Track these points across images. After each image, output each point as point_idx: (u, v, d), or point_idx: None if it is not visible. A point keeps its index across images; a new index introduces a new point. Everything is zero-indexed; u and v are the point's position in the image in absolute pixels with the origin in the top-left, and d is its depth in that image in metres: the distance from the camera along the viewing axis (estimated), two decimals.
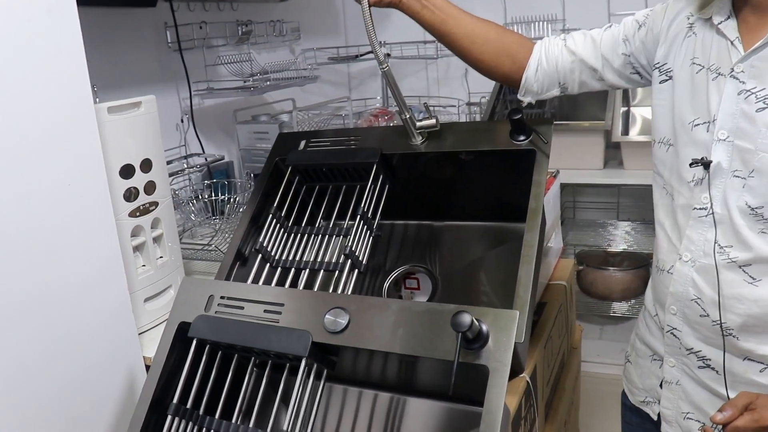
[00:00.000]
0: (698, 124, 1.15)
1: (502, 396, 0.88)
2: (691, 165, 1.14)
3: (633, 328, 1.45)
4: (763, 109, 1.07)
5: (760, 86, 1.07)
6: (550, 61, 1.35)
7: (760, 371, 1.16)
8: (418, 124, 1.37)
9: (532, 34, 2.88)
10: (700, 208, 1.16)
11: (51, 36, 1.13)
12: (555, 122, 2.60)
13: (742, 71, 1.09)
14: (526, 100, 1.40)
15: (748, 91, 1.09)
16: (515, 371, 1.25)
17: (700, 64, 1.17)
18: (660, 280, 1.27)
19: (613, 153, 2.70)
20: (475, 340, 0.91)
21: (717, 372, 1.19)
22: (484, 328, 0.92)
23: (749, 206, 1.10)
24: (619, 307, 2.89)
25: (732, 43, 1.11)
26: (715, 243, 1.14)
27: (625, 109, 2.72)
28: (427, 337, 0.95)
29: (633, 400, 1.41)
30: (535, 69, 1.36)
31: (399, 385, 1.22)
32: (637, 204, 2.94)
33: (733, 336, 1.16)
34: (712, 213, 1.14)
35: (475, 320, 0.89)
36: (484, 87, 2.89)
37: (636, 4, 2.70)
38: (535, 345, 1.38)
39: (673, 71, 1.22)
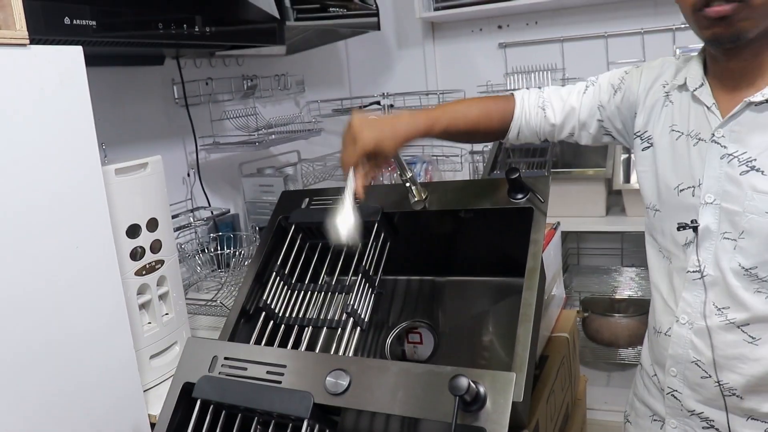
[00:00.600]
0: (683, 189, 1.18)
1: None
2: (678, 229, 1.17)
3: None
4: (747, 171, 1.09)
5: (742, 149, 1.10)
6: (531, 128, 1.37)
7: (766, 431, 1.17)
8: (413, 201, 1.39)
9: (532, 84, 2.94)
10: (693, 271, 1.17)
11: (63, 105, 1.17)
12: (557, 170, 2.65)
13: (723, 136, 1.12)
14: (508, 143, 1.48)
15: (731, 155, 1.11)
16: (518, 427, 1.26)
17: (679, 131, 1.19)
18: (657, 341, 1.28)
19: (615, 200, 2.73)
20: (472, 403, 0.92)
21: None
22: (482, 390, 0.93)
23: (742, 267, 1.11)
24: (626, 354, 2.88)
25: (709, 108, 1.14)
26: (705, 304, 1.16)
27: (626, 156, 2.75)
28: (426, 399, 0.97)
29: None
30: (516, 134, 1.38)
31: None
32: (641, 250, 2.90)
33: (737, 396, 1.16)
34: (705, 275, 1.16)
35: (472, 383, 0.91)
36: None
37: (633, 50, 2.77)
38: (537, 400, 1.39)
39: (653, 138, 1.25)
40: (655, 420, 1.33)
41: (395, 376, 1.00)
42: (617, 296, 2.85)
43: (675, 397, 1.25)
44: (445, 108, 1.34)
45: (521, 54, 2.98)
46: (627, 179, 2.69)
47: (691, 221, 1.15)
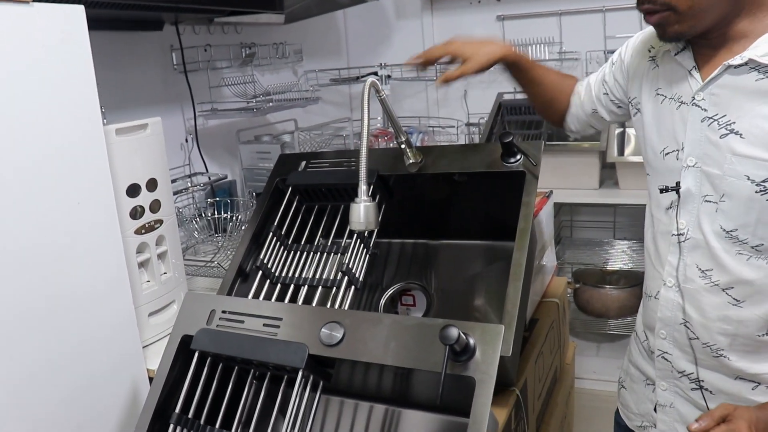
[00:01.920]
0: (668, 153, 1.20)
1: (487, 406, 0.93)
2: (661, 191, 1.19)
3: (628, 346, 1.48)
4: (726, 135, 1.10)
5: (721, 113, 1.11)
6: (576, 108, 1.48)
7: (752, 389, 1.19)
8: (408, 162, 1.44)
9: (529, 56, 2.93)
10: (676, 234, 1.19)
11: (65, 63, 1.19)
12: (552, 143, 2.68)
13: (703, 99, 1.13)
14: (572, 135, 1.59)
15: (711, 118, 1.12)
16: (506, 384, 1.30)
17: (662, 94, 1.21)
18: (648, 305, 1.31)
19: (609, 173, 2.75)
20: (462, 353, 0.96)
21: (711, 392, 1.22)
22: (471, 341, 0.97)
23: (724, 229, 1.13)
24: (616, 325, 2.92)
25: (690, 72, 1.16)
26: (689, 267, 1.18)
27: (621, 129, 2.77)
28: (418, 349, 1.00)
29: (630, 425, 1.43)
30: (573, 117, 1.50)
31: (393, 397, 1.26)
32: (634, 223, 2.98)
33: (725, 356, 1.18)
34: (688, 238, 1.17)
35: (462, 334, 0.94)
36: (482, 108, 2.95)
37: (630, 26, 2.76)
38: (525, 360, 1.42)
39: (641, 104, 1.27)
40: (648, 384, 1.35)
41: (388, 328, 1.03)
42: (609, 268, 2.88)
43: (665, 359, 1.26)
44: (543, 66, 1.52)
45: (519, 27, 2.99)
46: (621, 152, 2.71)
47: (674, 184, 1.17)
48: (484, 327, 0.99)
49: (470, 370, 0.96)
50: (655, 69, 1.24)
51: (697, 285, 1.18)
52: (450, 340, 0.93)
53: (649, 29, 1.28)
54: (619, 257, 2.93)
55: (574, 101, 1.48)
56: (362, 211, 1.20)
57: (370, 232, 1.38)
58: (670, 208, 1.20)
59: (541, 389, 1.57)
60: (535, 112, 1.61)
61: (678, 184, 1.17)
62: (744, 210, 1.10)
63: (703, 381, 1.22)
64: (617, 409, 1.49)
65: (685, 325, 1.21)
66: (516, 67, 1.44)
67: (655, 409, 1.32)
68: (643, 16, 1.14)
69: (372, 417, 1.26)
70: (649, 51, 1.27)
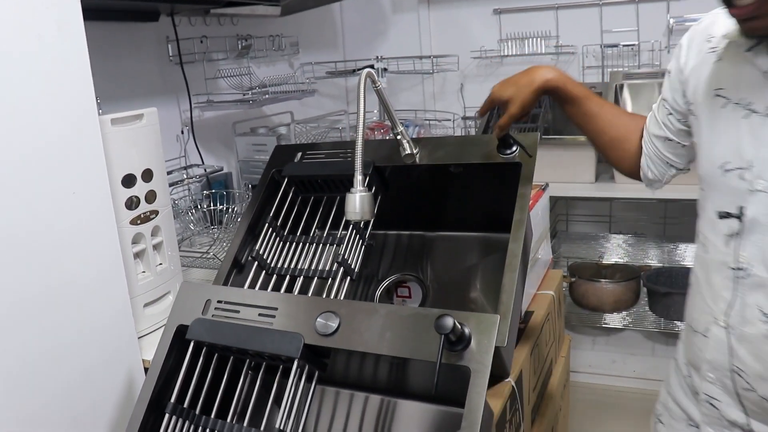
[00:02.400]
0: (730, 170, 0.99)
1: (482, 396, 0.93)
2: (720, 217, 1.01)
3: (625, 339, 1.37)
4: None
5: None
6: (648, 149, 1.25)
7: None
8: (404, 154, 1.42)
9: (525, 50, 2.95)
10: (736, 268, 1.01)
11: (59, 51, 1.19)
12: (548, 137, 2.68)
13: None
14: (653, 187, 1.31)
15: None
16: (501, 376, 1.30)
17: (725, 97, 1.00)
18: (693, 341, 1.13)
19: (605, 167, 2.76)
20: (457, 342, 0.96)
21: None
22: (467, 331, 0.97)
23: None
24: (611, 319, 2.93)
25: (766, 74, 0.95)
26: (750, 308, 0.99)
27: None
28: (413, 339, 1.00)
29: None
30: (646, 165, 1.27)
31: (388, 387, 1.26)
32: (629, 217, 2.99)
33: None
34: (750, 275, 0.99)
35: (457, 323, 0.94)
36: (479, 101, 2.89)
37: (627, 20, 2.78)
38: (521, 351, 1.43)
39: (695, 105, 1.08)
40: (690, 425, 1.17)
41: (383, 318, 1.03)
42: (604, 262, 2.89)
43: (713, 405, 1.09)
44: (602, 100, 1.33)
45: (516, 20, 2.99)
46: None
47: (739, 209, 0.98)
48: (480, 317, 0.99)
49: (465, 360, 0.96)
50: (718, 62, 1.03)
51: (758, 330, 0.99)
52: (445, 330, 0.93)
53: (706, 17, 1.10)
54: (614, 251, 2.94)
55: (646, 141, 1.26)
56: (358, 202, 1.20)
57: (366, 223, 1.38)
58: (729, 236, 1.01)
59: (537, 381, 1.57)
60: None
61: (742, 209, 0.98)
62: None
63: None
64: None
65: (738, 374, 1.03)
66: (563, 96, 1.27)
67: None
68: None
69: (367, 407, 1.27)
70: (708, 41, 1.05)
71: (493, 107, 1.30)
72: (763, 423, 1.03)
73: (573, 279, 2.80)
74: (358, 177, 1.20)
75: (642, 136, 1.27)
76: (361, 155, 1.19)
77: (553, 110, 2.83)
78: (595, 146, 1.36)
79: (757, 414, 1.03)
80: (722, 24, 1.03)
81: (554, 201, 2.90)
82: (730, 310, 1.02)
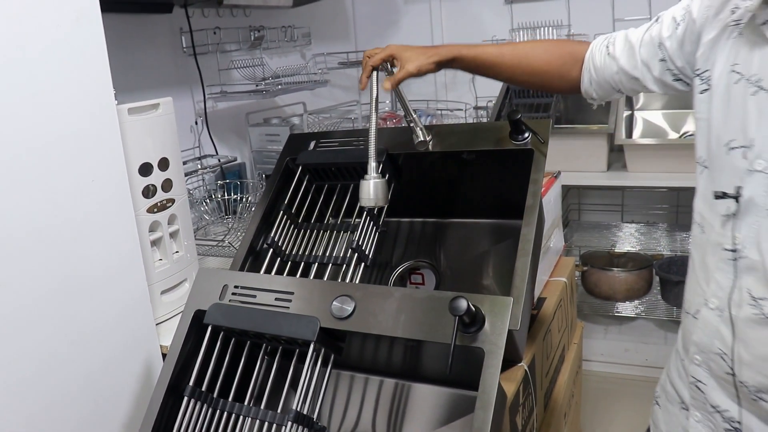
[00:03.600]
0: (734, 147, 0.96)
1: (496, 377, 0.94)
2: (716, 197, 0.97)
3: (637, 328, 1.35)
4: None
5: None
6: (599, 72, 1.26)
7: None
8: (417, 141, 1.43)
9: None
10: (729, 249, 0.98)
11: (78, 42, 1.21)
12: (560, 126, 2.68)
13: None
14: (594, 103, 1.33)
15: None
16: (514, 360, 1.32)
17: (739, 73, 0.96)
18: (685, 323, 1.12)
19: (617, 156, 2.76)
20: (471, 324, 0.97)
21: None
22: (480, 313, 0.98)
23: None
24: (623, 308, 2.94)
25: None
26: (739, 290, 0.97)
27: (629, 113, 2.78)
28: (428, 321, 1.02)
29: None
30: (588, 81, 1.28)
31: (403, 371, 1.28)
32: (642, 206, 2.99)
33: (765, 401, 0.98)
34: (743, 257, 0.97)
35: (471, 305, 0.96)
36: (491, 91, 2.95)
37: (640, 8, 2.77)
38: (533, 337, 1.44)
39: (712, 79, 1.02)
40: (682, 408, 1.15)
41: (398, 301, 1.05)
42: (616, 251, 2.89)
43: (699, 389, 1.08)
44: (502, 44, 1.38)
45: (527, 10, 2.99)
46: (629, 135, 2.72)
47: (736, 189, 0.95)
48: (493, 299, 1.00)
49: (479, 341, 0.97)
50: (737, 38, 0.98)
51: (745, 314, 0.97)
52: (459, 312, 0.94)
53: None
54: (627, 240, 2.94)
55: (594, 65, 1.25)
56: (372, 188, 1.21)
57: (380, 210, 1.39)
58: (725, 216, 0.98)
59: (549, 366, 1.58)
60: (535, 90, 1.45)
61: (739, 189, 0.95)
62: None
63: (738, 423, 1.03)
64: (648, 428, 1.29)
65: (722, 357, 1.01)
66: (464, 61, 1.33)
67: None
68: None
69: (382, 391, 1.28)
70: (733, 12, 0.99)
71: (387, 61, 1.32)
72: (746, 410, 1.02)
73: (585, 268, 2.80)
74: (372, 164, 1.21)
75: (584, 61, 1.28)
76: (375, 142, 1.20)
77: (565, 100, 2.84)
78: (528, 83, 1.38)
79: (740, 399, 1.02)
80: None
81: (566, 190, 2.90)
82: (720, 292, 1.01)
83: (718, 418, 1.05)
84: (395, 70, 1.31)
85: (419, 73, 1.29)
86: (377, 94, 1.23)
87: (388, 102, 2.86)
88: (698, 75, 1.05)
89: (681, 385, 1.14)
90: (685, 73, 1.11)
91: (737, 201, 0.95)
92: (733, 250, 0.97)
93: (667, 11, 1.14)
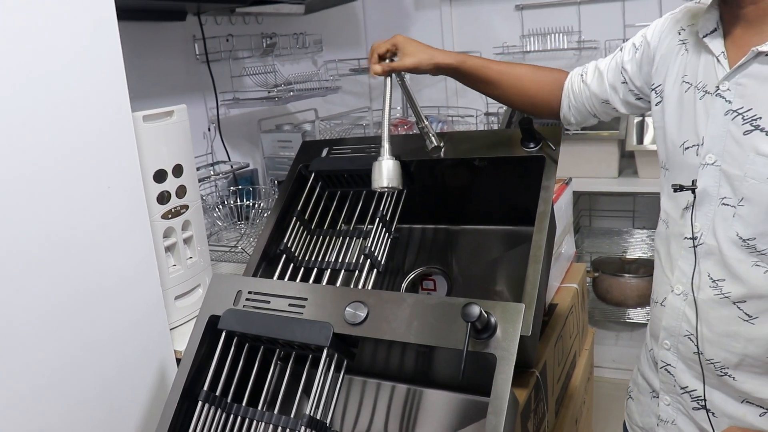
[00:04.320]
0: (688, 147, 1.08)
1: (508, 383, 0.95)
2: (675, 190, 1.08)
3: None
4: (751, 131, 0.98)
5: (747, 106, 0.99)
6: (577, 98, 1.36)
7: (760, 415, 1.08)
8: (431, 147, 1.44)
9: (548, 46, 2.95)
10: (689, 238, 1.09)
11: (95, 51, 1.22)
12: (571, 132, 2.68)
13: (728, 89, 1.01)
14: (570, 128, 1.41)
15: (735, 111, 1.00)
16: (526, 366, 1.32)
17: (688, 82, 1.09)
18: (654, 312, 1.21)
19: (628, 162, 2.76)
20: (483, 330, 0.98)
21: (714, 414, 1.11)
22: (492, 319, 0.99)
23: (740, 237, 1.02)
24: (635, 314, 2.93)
25: (717, 58, 1.04)
26: (700, 275, 1.07)
27: (640, 119, 2.78)
28: (440, 328, 1.02)
29: None
30: (567, 107, 1.38)
31: (415, 377, 1.28)
32: (653, 212, 2.97)
33: (729, 376, 1.08)
34: (701, 243, 1.07)
35: (483, 312, 0.96)
36: None
37: (651, 13, 2.76)
38: (545, 343, 1.44)
39: (664, 91, 1.15)
40: (653, 396, 1.23)
41: (411, 307, 1.06)
42: (628, 257, 2.89)
43: (668, 372, 1.16)
44: (501, 63, 1.42)
45: (538, 16, 2.99)
46: (640, 141, 2.71)
47: (692, 182, 1.06)
48: (505, 305, 1.01)
49: (491, 348, 0.98)
50: (684, 54, 1.12)
51: (707, 295, 1.07)
52: (472, 318, 0.95)
53: (679, 9, 1.18)
54: (638, 246, 2.94)
55: (573, 91, 1.36)
56: (384, 168, 1.18)
57: (392, 216, 1.40)
58: (686, 208, 1.09)
59: (561, 373, 1.59)
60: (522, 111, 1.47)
61: (694, 182, 1.06)
62: (764, 217, 0.99)
63: (706, 401, 1.11)
64: (624, 421, 1.38)
65: (689, 338, 1.11)
66: (463, 73, 1.37)
67: (658, 424, 1.23)
68: None
69: (394, 396, 1.29)
70: (679, 33, 1.14)
71: (391, 51, 1.32)
72: (710, 387, 1.11)
73: (596, 274, 2.80)
74: (386, 145, 1.20)
75: (563, 89, 1.38)
76: (388, 126, 1.20)
77: None
78: (514, 104, 1.43)
79: (706, 378, 1.10)
80: (689, 17, 1.14)
81: (577, 196, 2.90)
82: (684, 277, 1.11)
83: (687, 398, 1.14)
84: (396, 59, 1.32)
85: (416, 70, 1.32)
86: (392, 84, 1.24)
87: (399, 108, 2.87)
88: (653, 89, 1.19)
89: (651, 375, 1.23)
90: (644, 92, 1.24)
91: (693, 193, 1.06)
92: (693, 238, 1.08)
93: (629, 40, 1.28)
